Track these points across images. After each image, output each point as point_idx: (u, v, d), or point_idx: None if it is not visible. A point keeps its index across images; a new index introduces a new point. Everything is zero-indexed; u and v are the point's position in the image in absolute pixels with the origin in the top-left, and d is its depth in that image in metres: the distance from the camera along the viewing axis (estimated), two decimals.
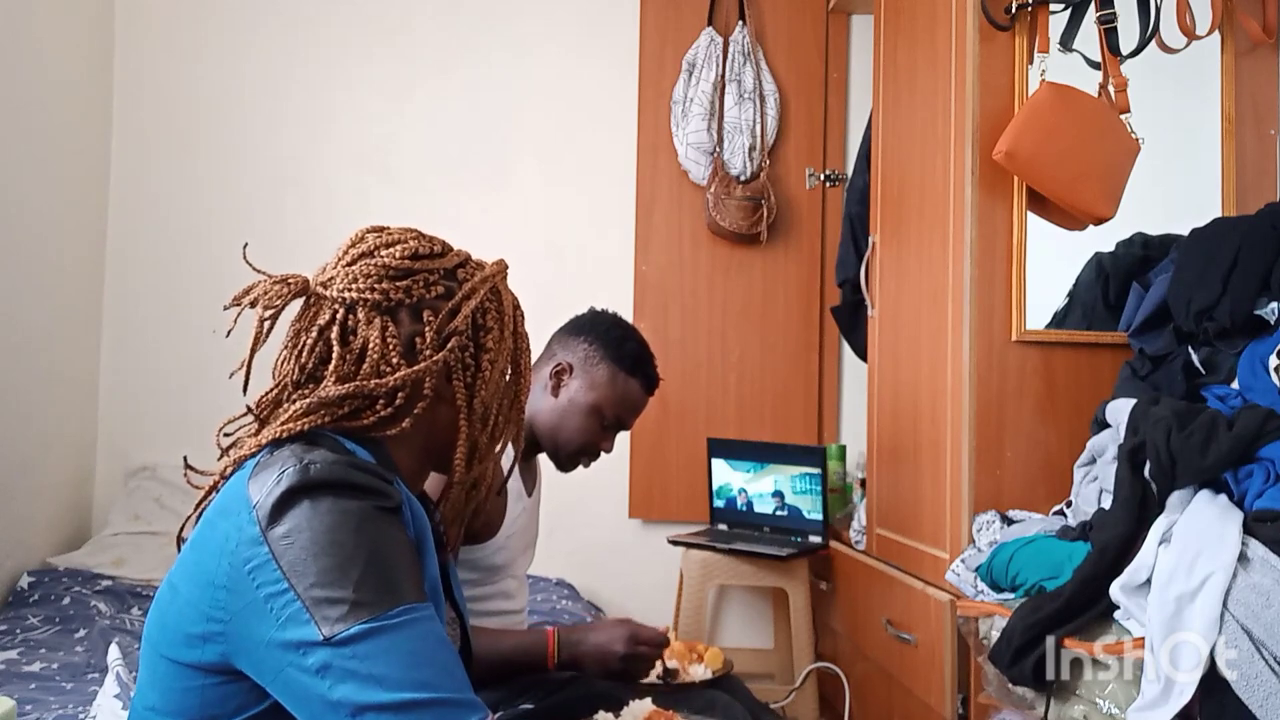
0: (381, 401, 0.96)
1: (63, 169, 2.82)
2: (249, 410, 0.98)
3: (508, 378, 1.05)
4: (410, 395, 0.97)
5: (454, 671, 0.84)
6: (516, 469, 1.61)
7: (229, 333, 1.01)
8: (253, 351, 0.98)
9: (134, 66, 3.05)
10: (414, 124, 3.10)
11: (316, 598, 0.80)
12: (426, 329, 0.97)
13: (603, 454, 1.71)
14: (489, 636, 1.51)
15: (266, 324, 0.98)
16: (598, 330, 1.69)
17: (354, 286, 0.97)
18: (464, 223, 2.88)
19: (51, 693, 1.85)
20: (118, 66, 3.04)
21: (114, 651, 1.51)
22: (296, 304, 1.00)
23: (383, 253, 0.99)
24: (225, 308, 0.97)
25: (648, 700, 1.38)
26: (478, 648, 1.38)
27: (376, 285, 0.97)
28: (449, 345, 0.98)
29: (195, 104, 3.06)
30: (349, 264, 0.99)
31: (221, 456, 0.97)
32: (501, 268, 1.07)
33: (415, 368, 0.96)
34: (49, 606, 2.39)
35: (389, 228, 1.04)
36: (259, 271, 0.99)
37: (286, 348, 0.99)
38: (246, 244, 1.02)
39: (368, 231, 1.03)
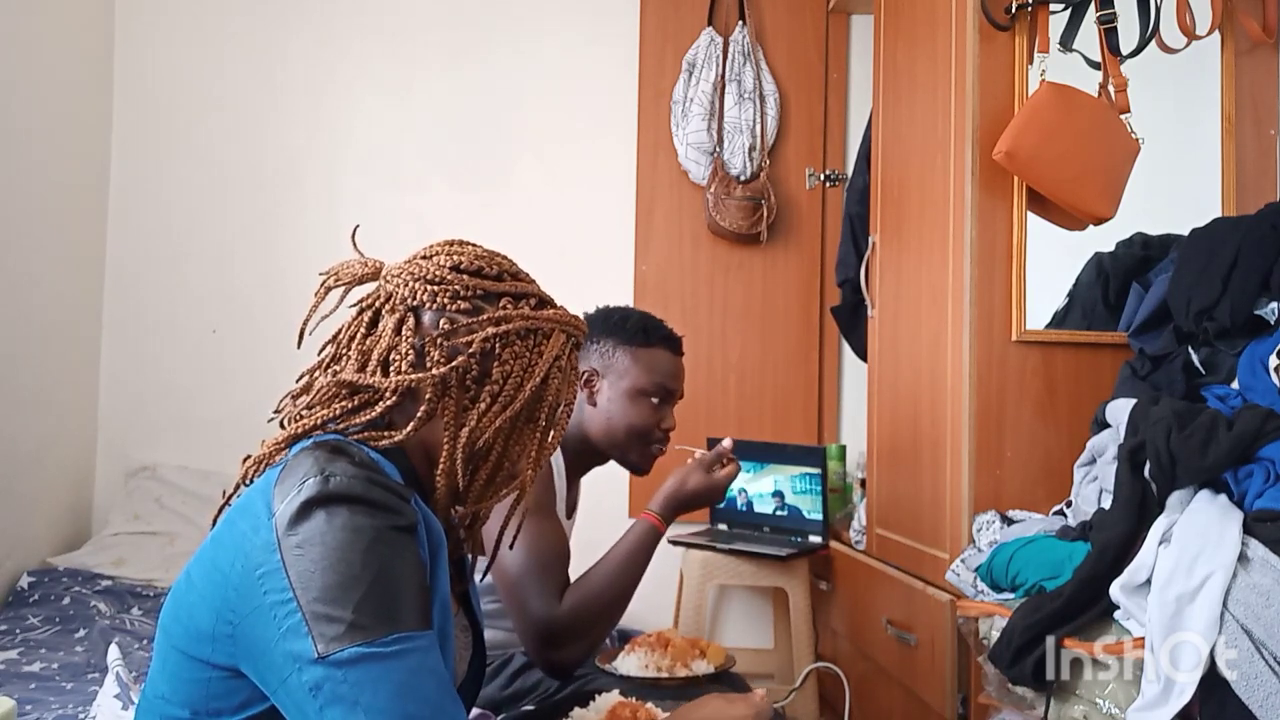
0: (383, 400, 0.96)
1: (62, 169, 2.82)
2: (302, 376, 1.02)
3: (518, 423, 1.00)
4: (405, 400, 0.96)
5: (443, 706, 0.84)
6: (564, 489, 1.65)
7: (323, 306, 1.03)
8: (308, 317, 1.02)
9: (134, 66, 3.05)
10: (414, 124, 3.11)
11: (317, 612, 0.81)
12: (438, 337, 0.97)
13: (669, 434, 1.73)
14: (596, 569, 1.53)
15: (330, 294, 1.02)
16: (597, 327, 1.73)
17: (397, 279, 0.99)
18: (464, 222, 2.87)
19: (51, 693, 1.85)
20: (118, 66, 3.05)
21: (114, 651, 1.52)
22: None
23: (440, 258, 1.00)
24: (320, 274, 1.02)
25: (615, 692, 1.42)
26: (592, 583, 1.49)
27: (411, 282, 0.98)
28: (454, 362, 0.96)
29: (195, 104, 3.06)
30: (409, 259, 1.01)
31: (273, 419, 1.01)
32: (565, 321, 1.03)
33: (414, 375, 0.95)
34: (49, 606, 2.40)
35: (476, 244, 1.04)
36: (359, 252, 1.04)
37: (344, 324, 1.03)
38: (357, 226, 1.08)
39: (454, 240, 1.03)
